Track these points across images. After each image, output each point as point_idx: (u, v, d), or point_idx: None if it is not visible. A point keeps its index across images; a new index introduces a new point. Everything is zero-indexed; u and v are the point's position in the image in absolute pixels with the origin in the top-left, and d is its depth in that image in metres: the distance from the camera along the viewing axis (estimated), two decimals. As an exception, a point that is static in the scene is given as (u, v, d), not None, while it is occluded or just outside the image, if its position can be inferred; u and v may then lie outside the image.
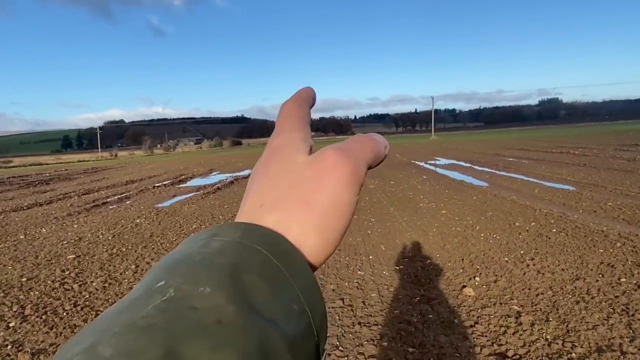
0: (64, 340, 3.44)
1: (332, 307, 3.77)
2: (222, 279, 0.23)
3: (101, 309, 3.99)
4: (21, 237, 7.33)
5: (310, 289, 0.26)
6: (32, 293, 4.52)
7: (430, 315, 3.49)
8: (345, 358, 2.94)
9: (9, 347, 3.37)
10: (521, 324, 3.25)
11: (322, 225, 0.29)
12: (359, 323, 3.43)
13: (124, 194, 12.59)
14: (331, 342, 3.15)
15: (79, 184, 17.29)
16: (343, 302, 3.87)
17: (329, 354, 2.98)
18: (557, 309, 3.45)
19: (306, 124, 0.36)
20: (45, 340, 3.46)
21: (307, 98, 0.38)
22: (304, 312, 0.25)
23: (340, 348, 3.06)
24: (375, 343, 3.09)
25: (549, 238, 5.45)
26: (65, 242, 6.75)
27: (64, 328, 3.67)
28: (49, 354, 3.23)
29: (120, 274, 5.05)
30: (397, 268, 4.72)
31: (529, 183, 10.47)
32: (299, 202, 0.29)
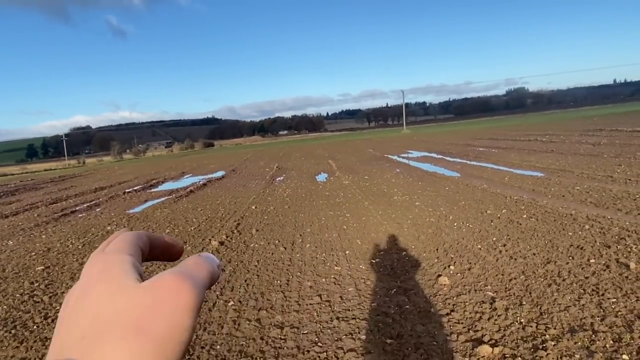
0: (35, 353, 3.33)
1: (310, 304, 3.76)
2: None
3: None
4: (-14, 250, 7.06)
5: None
6: (-1, 308, 4.36)
7: (407, 306, 3.52)
8: (325, 353, 2.93)
9: (-24, 365, 3.24)
10: (496, 309, 3.30)
11: (159, 354, 0.26)
12: (337, 318, 3.43)
13: (94, 202, 12.28)
14: (310, 339, 3.14)
15: (46, 193, 16.78)
16: (321, 298, 3.87)
17: (308, 351, 2.98)
18: (530, 293, 3.53)
19: (139, 249, 0.34)
20: (15, 355, 3.35)
21: (144, 238, 0.36)
22: None
23: (319, 344, 3.06)
24: (354, 337, 3.10)
25: (520, 224, 5.57)
26: (34, 253, 6.54)
27: (35, 341, 3.55)
28: (20, 370, 3.12)
29: (92, 283, 4.91)
30: (374, 261, 4.74)
31: (499, 171, 10.69)
32: (132, 330, 0.26)
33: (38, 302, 4.45)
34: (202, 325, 3.55)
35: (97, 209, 10.82)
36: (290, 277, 4.49)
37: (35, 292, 4.73)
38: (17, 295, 4.69)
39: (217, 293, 4.19)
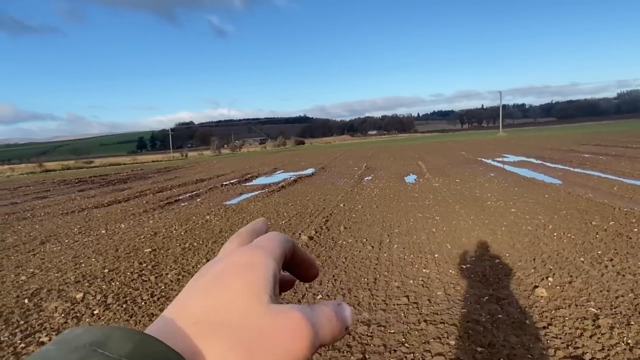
0: (143, 327, 3.68)
1: (397, 304, 3.76)
2: None
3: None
4: (102, 231, 7.91)
5: None
6: (113, 283, 4.87)
7: (500, 315, 3.39)
8: (412, 355, 2.92)
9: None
10: (599, 326, 3.07)
11: None
12: (425, 320, 3.39)
13: (195, 192, 13.20)
14: (397, 339, 3.15)
15: (153, 183, 18.31)
16: (408, 299, 3.85)
17: (395, 350, 2.99)
18: (640, 313, 3.23)
19: (284, 255, 0.34)
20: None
21: (290, 245, 0.36)
22: None
23: (406, 344, 3.05)
24: (442, 341, 3.05)
25: (630, 238, 5.10)
26: (142, 236, 7.20)
27: (142, 316, 3.92)
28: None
29: (193, 267, 5.31)
30: (464, 267, 4.61)
31: (607, 180, 9.82)
32: (241, 347, 0.26)
33: (146, 280, 4.91)
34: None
35: (198, 199, 11.62)
36: (378, 276, 4.51)
37: (143, 272, 5.21)
38: (128, 273, 5.21)
39: (306, 286, 4.34)
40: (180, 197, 12.24)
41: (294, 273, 0.39)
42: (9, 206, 12.83)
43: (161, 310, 4.01)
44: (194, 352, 0.25)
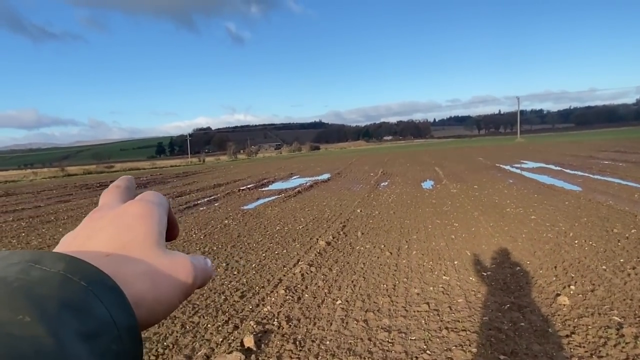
0: (166, 330, 3.75)
1: (417, 311, 3.76)
2: (43, 311, 0.23)
3: (197, 303, 4.29)
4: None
5: (130, 332, 0.27)
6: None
7: (522, 323, 3.37)
8: (433, 361, 2.93)
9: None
10: (623, 335, 3.04)
11: (150, 310, 0.31)
12: (446, 328, 3.39)
13: (213, 197, 13.32)
14: (418, 346, 3.15)
15: (172, 187, 18.54)
16: (429, 306, 3.85)
17: (416, 357, 2.99)
18: (666, 323, 3.18)
19: (167, 212, 0.39)
20: (149, 329, 3.78)
21: (169, 205, 0.41)
22: (121, 353, 0.26)
23: (428, 352, 3.06)
24: (464, 349, 3.05)
25: (655, 247, 5.02)
26: (163, 240, 7.28)
27: (166, 319, 3.98)
28: (154, 343, 3.53)
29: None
30: (484, 274, 4.58)
31: (628, 187, 9.66)
32: (149, 278, 0.31)
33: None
34: (312, 320, 3.73)
35: (216, 204, 11.73)
36: (397, 282, 4.51)
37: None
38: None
39: (325, 291, 4.36)
40: (198, 202, 12.38)
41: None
42: (33, 209, 13.10)
43: (183, 313, 4.08)
44: (114, 277, 0.28)
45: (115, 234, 0.33)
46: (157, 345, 3.45)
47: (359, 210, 8.96)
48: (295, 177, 20.42)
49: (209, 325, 3.76)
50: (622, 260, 4.64)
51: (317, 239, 6.56)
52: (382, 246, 5.98)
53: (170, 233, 0.43)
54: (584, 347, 2.96)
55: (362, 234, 6.81)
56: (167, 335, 3.63)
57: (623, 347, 2.90)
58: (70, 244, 0.33)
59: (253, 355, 3.17)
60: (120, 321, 0.26)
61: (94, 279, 0.27)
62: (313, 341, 3.34)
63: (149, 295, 0.31)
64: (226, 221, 8.74)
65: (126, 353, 0.26)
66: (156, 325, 3.70)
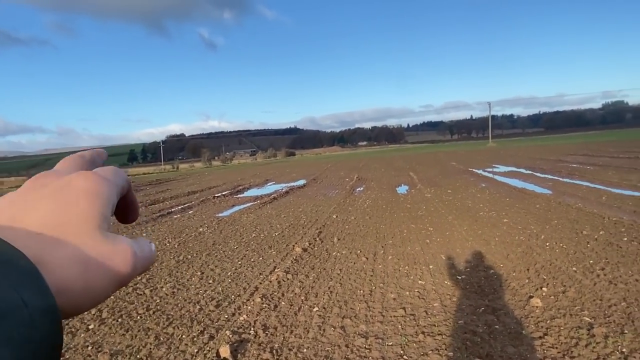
0: (139, 342, 3.65)
1: (394, 316, 3.77)
2: None
3: (172, 313, 4.20)
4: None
5: (45, 316, 0.25)
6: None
7: (497, 326, 3.42)
8: (410, 366, 2.93)
9: (90, 347, 3.62)
10: (594, 335, 3.11)
11: (82, 298, 0.28)
12: (423, 332, 3.41)
13: (187, 204, 13.13)
14: (395, 351, 3.15)
15: (145, 195, 18.19)
16: (405, 311, 3.86)
17: (393, 362, 2.99)
18: (633, 321, 3.28)
19: (120, 192, 0.36)
20: (122, 342, 3.68)
21: (128, 183, 0.38)
22: (35, 339, 0.24)
23: (405, 357, 3.06)
24: (440, 353, 3.07)
25: (620, 247, 5.17)
26: (136, 250, 7.13)
27: (139, 331, 3.89)
28: (126, 356, 3.44)
29: (187, 280, 5.29)
30: (459, 278, 4.64)
31: (596, 190, 9.96)
32: (81, 264, 0.28)
33: (141, 294, 4.87)
34: (289, 328, 3.70)
35: (190, 211, 11.57)
36: (373, 287, 4.52)
37: (138, 285, 5.17)
38: (123, 287, 5.16)
39: (302, 298, 4.34)
40: (172, 210, 12.18)
41: (122, 211, 0.40)
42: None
43: (157, 324, 3.99)
44: (38, 259, 0.26)
45: (53, 209, 0.30)
46: (130, 358, 3.36)
47: (334, 216, 8.97)
48: (270, 183, 20.33)
49: (183, 336, 3.68)
50: (591, 261, 4.76)
51: (294, 246, 6.53)
52: (359, 251, 5.99)
53: (128, 216, 0.40)
54: (556, 347, 3.02)
55: (338, 239, 6.81)
56: (141, 347, 3.54)
57: (594, 347, 2.96)
58: (3, 211, 0.30)
59: (229, 366, 3.11)
60: (34, 304, 0.24)
61: (3, 258, 0.24)
62: (290, 349, 3.31)
63: (77, 283, 0.28)
64: (201, 229, 8.62)
65: (42, 338, 0.24)
66: (129, 337, 3.60)
